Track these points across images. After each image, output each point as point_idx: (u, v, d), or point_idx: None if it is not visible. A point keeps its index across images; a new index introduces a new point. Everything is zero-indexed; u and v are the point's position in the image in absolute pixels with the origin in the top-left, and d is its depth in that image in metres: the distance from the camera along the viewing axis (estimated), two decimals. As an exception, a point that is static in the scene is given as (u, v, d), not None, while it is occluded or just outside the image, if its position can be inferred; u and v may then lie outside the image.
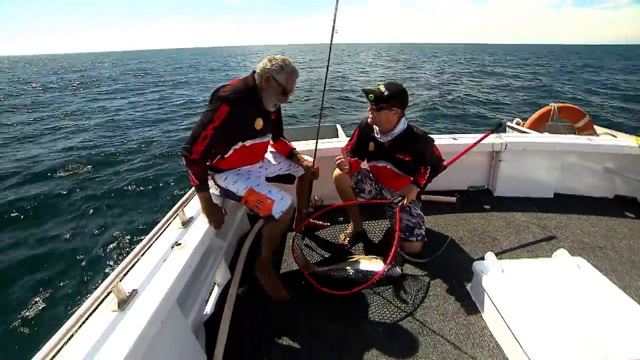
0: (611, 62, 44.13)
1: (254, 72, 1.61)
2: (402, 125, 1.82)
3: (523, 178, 2.80)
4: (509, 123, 4.44)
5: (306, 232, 2.28)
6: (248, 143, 1.68)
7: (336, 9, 1.87)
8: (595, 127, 4.28)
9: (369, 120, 1.85)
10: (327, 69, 2.07)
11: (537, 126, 4.30)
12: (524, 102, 13.81)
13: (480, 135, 2.47)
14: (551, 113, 4.28)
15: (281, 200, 1.60)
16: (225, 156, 1.68)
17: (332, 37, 1.92)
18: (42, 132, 9.84)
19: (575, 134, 4.20)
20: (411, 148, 1.86)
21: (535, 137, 3.07)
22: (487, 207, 2.65)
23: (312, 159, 2.09)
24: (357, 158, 2.06)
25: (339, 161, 1.85)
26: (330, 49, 1.99)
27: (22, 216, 4.89)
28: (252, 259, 2.06)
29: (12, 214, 4.90)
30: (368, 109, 1.81)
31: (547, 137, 2.93)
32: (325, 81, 2.16)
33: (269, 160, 1.99)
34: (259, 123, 1.64)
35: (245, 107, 1.54)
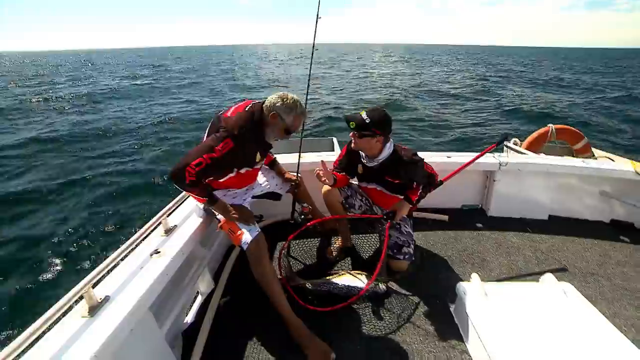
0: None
1: (263, 103, 1.60)
2: (387, 150, 1.80)
3: (517, 199, 2.78)
4: (506, 143, 4.44)
5: (297, 239, 2.25)
6: (243, 170, 1.67)
7: (315, 30, 1.93)
8: (593, 149, 4.27)
9: (352, 146, 1.84)
10: (309, 79, 2.11)
11: (535, 147, 4.29)
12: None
13: (479, 159, 2.45)
14: (549, 134, 4.28)
15: (249, 232, 1.59)
16: (220, 180, 1.68)
17: (312, 54, 1.99)
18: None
19: (572, 156, 4.19)
20: (400, 173, 1.84)
21: (530, 157, 3.07)
22: (479, 226, 2.62)
23: (299, 173, 2.11)
24: (344, 173, 2.05)
25: (316, 173, 1.83)
26: (310, 67, 2.06)
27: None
28: (238, 270, 2.04)
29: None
30: (350, 134, 1.79)
31: (542, 158, 2.92)
32: (307, 92, 2.17)
33: (257, 180, 1.99)
34: (258, 156, 1.67)
35: (250, 143, 1.55)
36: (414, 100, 14.96)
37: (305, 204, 2.11)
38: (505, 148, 4.40)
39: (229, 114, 1.56)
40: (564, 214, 2.84)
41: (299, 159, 2.14)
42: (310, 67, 2.11)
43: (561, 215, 2.83)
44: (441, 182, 2.01)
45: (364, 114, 1.69)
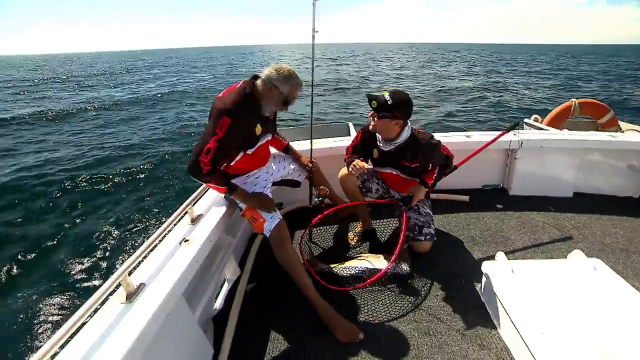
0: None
1: (255, 77, 1.61)
2: (405, 134, 1.78)
3: (540, 176, 2.71)
4: (526, 120, 4.29)
5: (318, 225, 2.27)
6: (250, 151, 1.69)
7: (314, 12, 1.89)
8: (620, 122, 4.09)
9: (370, 127, 1.80)
10: (312, 68, 2.08)
11: (557, 123, 4.13)
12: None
13: (495, 134, 2.40)
14: (572, 109, 4.10)
15: (271, 220, 1.61)
16: (232, 164, 1.70)
17: (313, 37, 1.95)
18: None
19: (598, 130, 4.02)
20: (417, 156, 1.81)
21: (552, 133, 2.97)
22: (501, 206, 2.58)
23: (313, 158, 2.14)
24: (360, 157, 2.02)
25: (352, 169, 1.83)
26: (312, 50, 2.03)
27: (40, 206, 5.16)
28: (262, 256, 2.08)
29: (30, 203, 5.20)
30: (369, 114, 1.76)
31: (565, 134, 2.82)
32: (312, 80, 2.14)
33: (273, 166, 2.00)
34: (258, 129, 1.66)
35: (246, 116, 1.55)
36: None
37: (321, 187, 2.13)
38: (525, 125, 4.27)
39: (221, 95, 1.58)
40: (590, 191, 2.75)
41: (311, 145, 2.14)
42: (313, 63, 2.10)
43: (587, 192, 2.74)
44: (455, 167, 1.99)
45: (386, 95, 1.66)
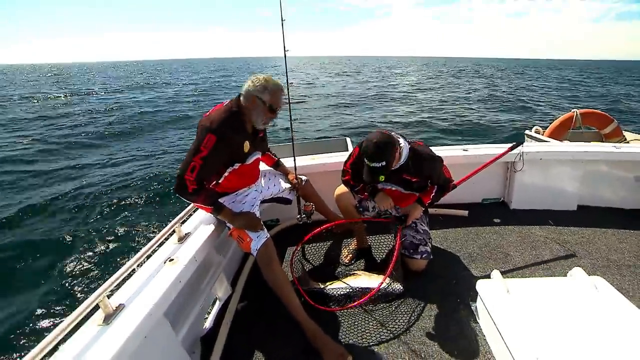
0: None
1: (240, 95, 1.62)
2: (405, 153, 1.69)
3: (542, 189, 2.64)
4: (527, 132, 4.24)
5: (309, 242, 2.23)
6: (237, 166, 1.67)
7: (282, 28, 1.90)
8: (625, 133, 4.01)
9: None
10: (287, 84, 2.05)
11: (558, 134, 4.06)
12: None
13: (493, 147, 2.37)
14: (573, 120, 4.04)
15: (257, 239, 1.60)
16: (220, 182, 1.69)
17: (285, 56, 1.96)
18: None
19: (602, 141, 3.94)
20: (419, 170, 1.75)
21: (553, 145, 2.91)
22: (501, 220, 2.51)
23: (308, 174, 2.13)
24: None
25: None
26: (286, 66, 2.02)
27: (15, 220, 5.03)
28: (255, 275, 2.05)
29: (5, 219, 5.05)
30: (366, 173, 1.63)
31: (566, 146, 2.77)
32: (288, 95, 2.13)
33: (263, 183, 1.99)
34: (246, 146, 1.65)
35: (232, 134, 1.55)
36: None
37: (307, 203, 2.10)
38: (525, 137, 4.21)
39: (208, 114, 1.58)
40: (595, 204, 2.67)
41: (294, 162, 2.12)
42: (287, 74, 2.07)
43: (592, 205, 2.66)
44: (454, 186, 1.93)
45: (375, 164, 1.54)
